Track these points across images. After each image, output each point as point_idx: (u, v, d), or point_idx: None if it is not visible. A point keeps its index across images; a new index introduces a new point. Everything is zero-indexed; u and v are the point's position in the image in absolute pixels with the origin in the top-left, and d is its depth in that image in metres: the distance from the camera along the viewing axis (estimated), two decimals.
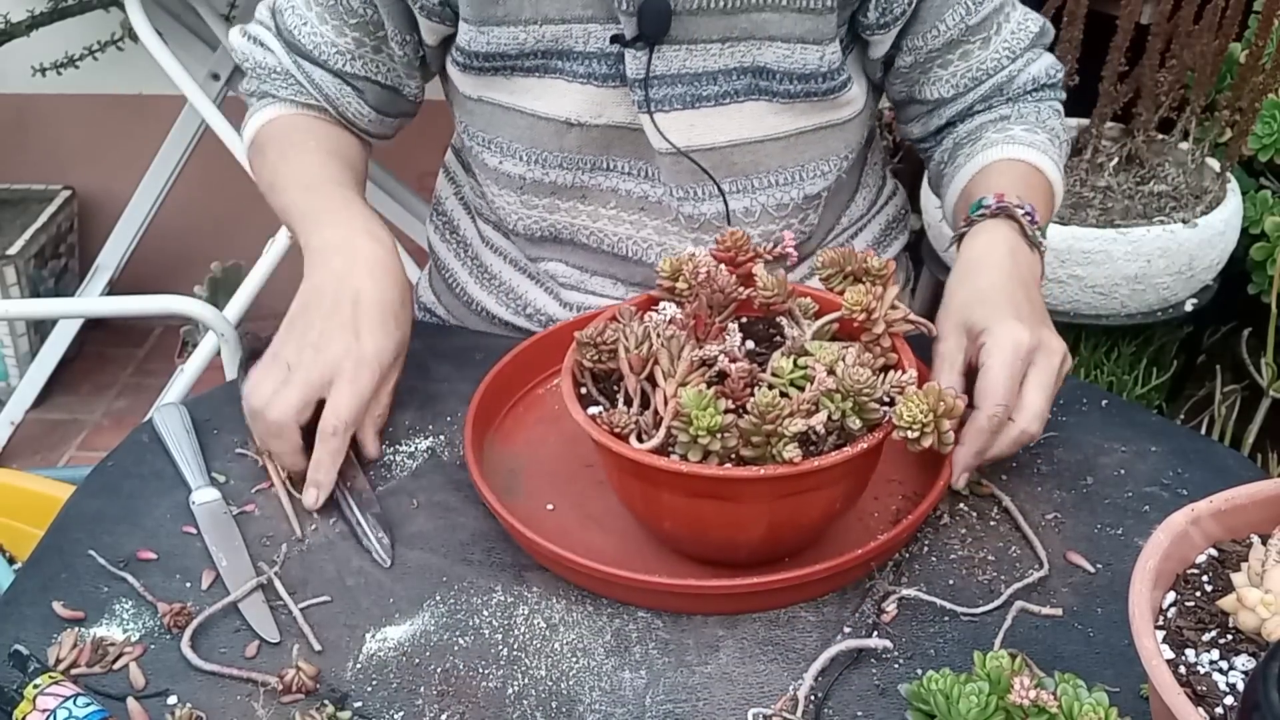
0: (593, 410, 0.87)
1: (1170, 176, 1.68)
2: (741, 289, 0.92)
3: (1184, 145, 1.68)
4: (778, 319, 0.94)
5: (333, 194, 1.11)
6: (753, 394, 0.82)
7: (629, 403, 0.87)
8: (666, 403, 0.84)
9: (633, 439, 0.84)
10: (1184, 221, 1.57)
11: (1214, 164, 1.65)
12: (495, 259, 1.29)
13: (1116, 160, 1.69)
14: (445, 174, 1.37)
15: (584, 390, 0.90)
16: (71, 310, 2.47)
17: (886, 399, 0.84)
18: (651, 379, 0.86)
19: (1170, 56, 1.61)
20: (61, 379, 2.56)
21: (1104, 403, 1.06)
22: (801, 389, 0.83)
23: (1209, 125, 1.67)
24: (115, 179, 2.57)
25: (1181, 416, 1.70)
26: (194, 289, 2.24)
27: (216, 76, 2.33)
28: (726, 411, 0.81)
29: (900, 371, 0.86)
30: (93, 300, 2.52)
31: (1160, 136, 1.70)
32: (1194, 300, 1.66)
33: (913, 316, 0.91)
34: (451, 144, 1.35)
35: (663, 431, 0.83)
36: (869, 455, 0.84)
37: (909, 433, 0.82)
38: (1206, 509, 0.75)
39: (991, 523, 0.94)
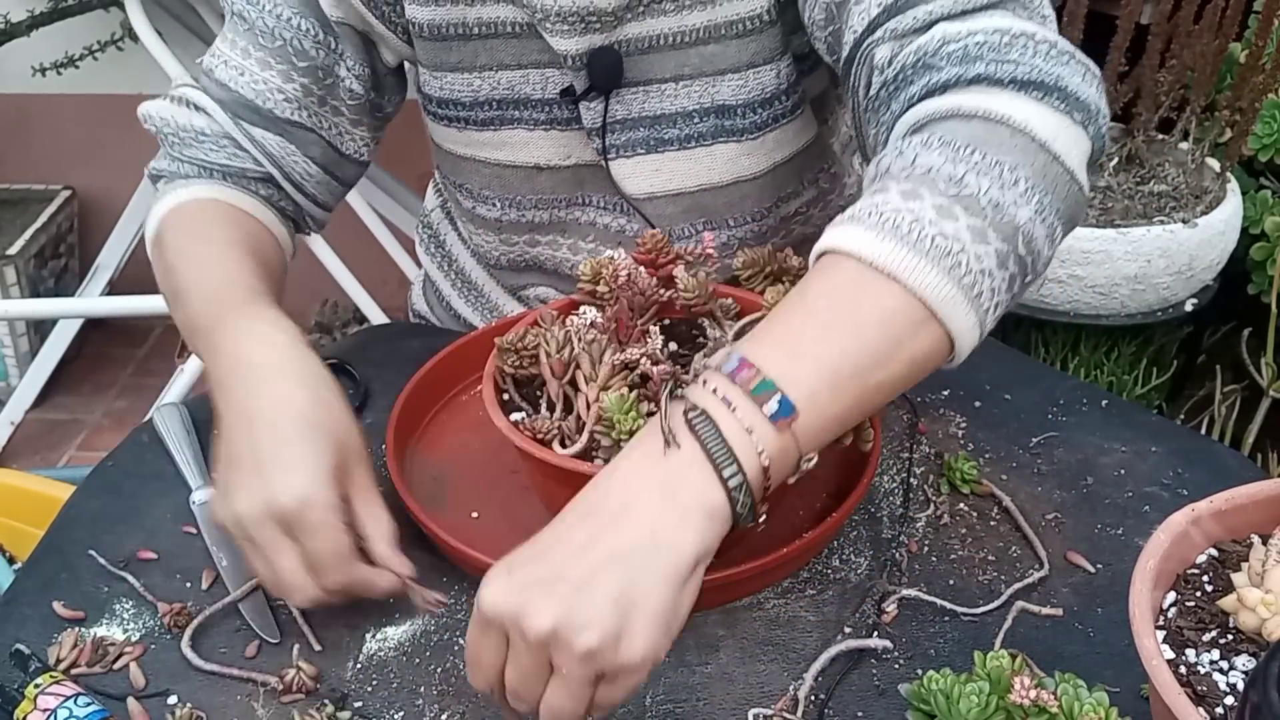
0: (515, 416, 0.87)
1: (1170, 176, 1.68)
2: (663, 291, 0.92)
3: (1184, 145, 1.68)
4: (700, 320, 0.93)
5: (230, 298, 0.94)
6: None
7: (551, 408, 0.87)
8: (589, 407, 0.83)
9: (556, 445, 0.83)
10: (1184, 221, 1.57)
11: (1214, 164, 1.65)
12: (481, 275, 1.27)
13: (1116, 160, 1.69)
14: (434, 186, 1.34)
15: (506, 396, 0.89)
16: (71, 310, 2.47)
17: None
18: (574, 383, 0.86)
19: (1170, 56, 1.61)
20: (61, 379, 2.56)
21: (1104, 403, 1.06)
22: None
23: (1209, 125, 1.67)
24: (115, 179, 2.57)
25: (1181, 416, 1.70)
26: None
27: None
28: (649, 414, 0.80)
29: None
30: (93, 300, 2.52)
31: (1160, 136, 1.70)
32: (1194, 300, 1.66)
33: None
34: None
35: (585, 436, 0.82)
36: None
37: None
38: (1206, 509, 0.75)
39: (991, 523, 0.94)
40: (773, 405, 0.70)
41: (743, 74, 1.05)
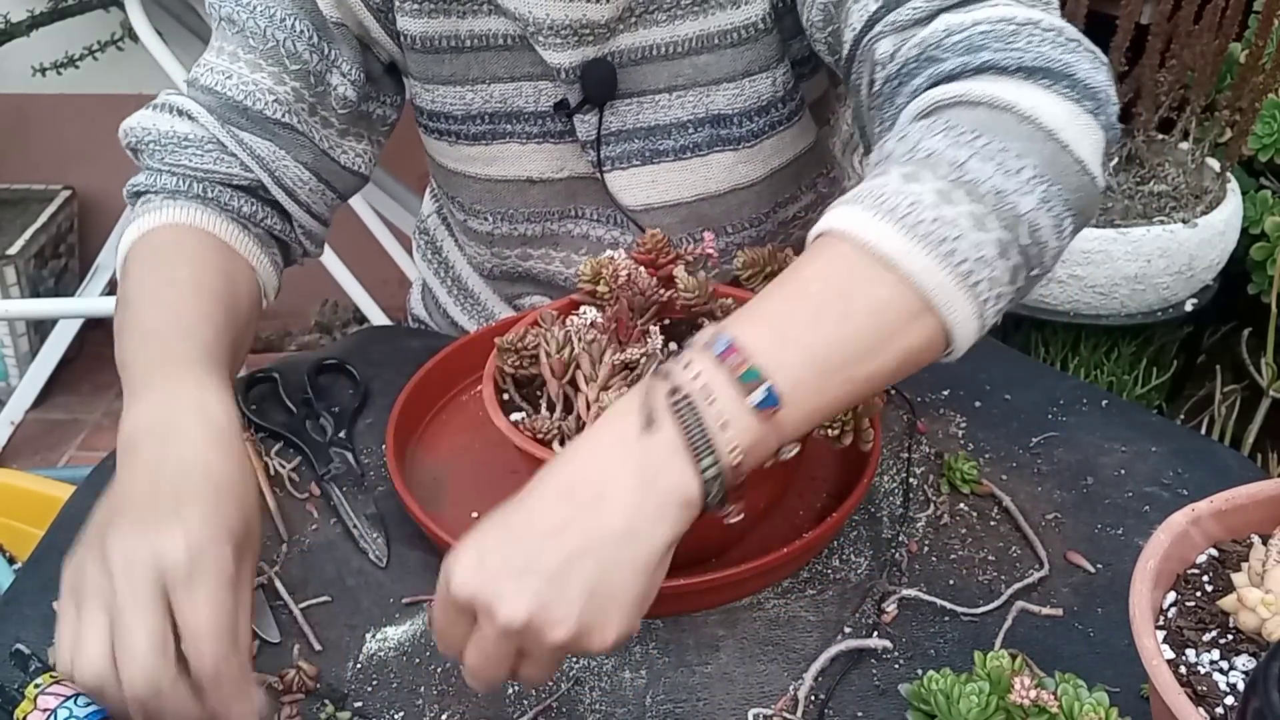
0: (515, 416, 0.87)
1: (1170, 176, 1.68)
2: (662, 291, 0.92)
3: (1184, 145, 1.68)
4: (699, 320, 0.93)
5: (178, 350, 0.85)
6: None
7: (551, 408, 0.87)
8: (589, 407, 0.83)
9: (556, 445, 0.83)
10: (1184, 221, 1.57)
11: (1214, 164, 1.65)
12: (478, 283, 1.27)
13: (1116, 160, 1.69)
14: (430, 193, 1.33)
15: (506, 396, 0.89)
16: (71, 310, 2.47)
17: None
18: (574, 384, 0.86)
19: (1170, 56, 1.61)
20: (61, 379, 2.56)
21: (1104, 403, 1.06)
22: None
23: (1209, 125, 1.67)
24: (115, 179, 2.53)
25: (1181, 416, 1.70)
26: None
27: None
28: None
29: None
30: (93, 300, 2.52)
31: (1160, 136, 1.70)
32: (1194, 300, 1.66)
33: None
34: None
35: None
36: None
37: (830, 430, 0.81)
38: (1206, 509, 0.75)
39: (991, 523, 0.94)
40: (758, 395, 0.68)
41: (738, 83, 1.04)
